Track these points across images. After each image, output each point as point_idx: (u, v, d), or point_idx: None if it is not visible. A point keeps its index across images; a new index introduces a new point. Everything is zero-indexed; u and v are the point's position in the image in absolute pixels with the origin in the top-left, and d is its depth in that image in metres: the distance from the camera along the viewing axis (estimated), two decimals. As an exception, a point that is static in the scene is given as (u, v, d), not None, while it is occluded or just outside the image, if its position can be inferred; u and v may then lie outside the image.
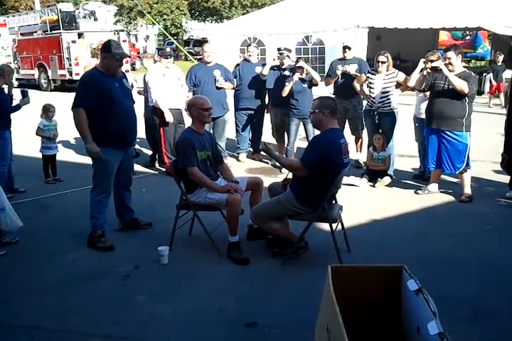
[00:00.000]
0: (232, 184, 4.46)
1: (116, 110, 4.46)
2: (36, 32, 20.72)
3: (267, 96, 7.73)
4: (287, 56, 7.21)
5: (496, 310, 3.47)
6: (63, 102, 7.72)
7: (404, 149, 7.77)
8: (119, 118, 4.48)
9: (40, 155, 6.87)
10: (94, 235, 4.61)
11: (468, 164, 5.74)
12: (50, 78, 19.74)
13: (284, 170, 6.91)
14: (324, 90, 9.76)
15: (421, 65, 5.76)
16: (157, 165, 7.52)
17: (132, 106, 4.78)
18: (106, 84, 4.46)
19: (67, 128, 7.09)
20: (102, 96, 4.39)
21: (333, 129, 4.22)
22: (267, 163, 7.68)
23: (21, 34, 21.53)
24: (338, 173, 4.11)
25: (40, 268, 4.25)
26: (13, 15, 24.13)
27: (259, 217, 4.33)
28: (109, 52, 4.45)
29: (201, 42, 31.11)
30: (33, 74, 20.26)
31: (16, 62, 20.32)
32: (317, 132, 4.59)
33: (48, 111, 6.78)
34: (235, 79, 7.56)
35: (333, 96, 7.34)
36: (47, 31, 19.85)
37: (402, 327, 2.50)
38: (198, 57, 26.40)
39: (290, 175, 4.54)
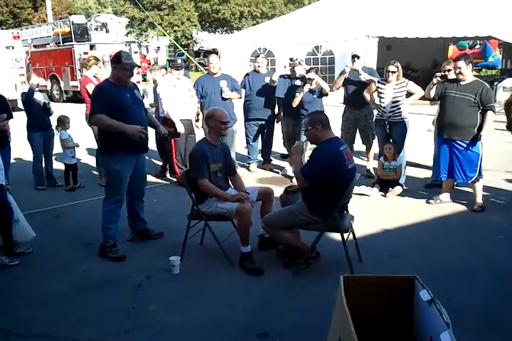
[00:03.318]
0: (243, 193, 4.47)
1: (128, 121, 4.48)
2: (49, 44, 21.01)
3: (276, 106, 7.76)
4: (299, 63, 7.22)
5: (508, 321, 3.43)
6: (76, 113, 7.82)
7: (416, 158, 7.75)
8: None
9: (55, 166, 6.99)
10: (106, 245, 4.63)
11: (480, 173, 5.70)
12: (63, 89, 19.98)
13: (294, 179, 6.90)
14: (334, 100, 9.81)
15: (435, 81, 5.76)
16: (168, 175, 7.56)
17: (144, 116, 4.81)
18: (117, 96, 4.50)
19: (78, 138, 7.17)
20: (114, 108, 4.43)
21: (330, 139, 4.23)
22: (278, 172, 7.68)
23: (34, 46, 21.84)
24: (348, 181, 4.11)
25: (52, 278, 4.28)
26: (26, 28, 24.48)
27: (270, 225, 4.33)
28: (119, 62, 4.48)
29: (211, 53, 31.29)
30: (46, 86, 20.47)
31: (28, 73, 20.56)
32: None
33: (64, 122, 7.01)
34: (243, 90, 7.59)
35: (344, 105, 7.39)
36: (59, 43, 20.13)
37: (415, 338, 2.48)
38: (209, 67, 26.58)
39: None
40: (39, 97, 6.97)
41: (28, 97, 6.81)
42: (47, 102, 6.84)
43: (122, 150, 4.53)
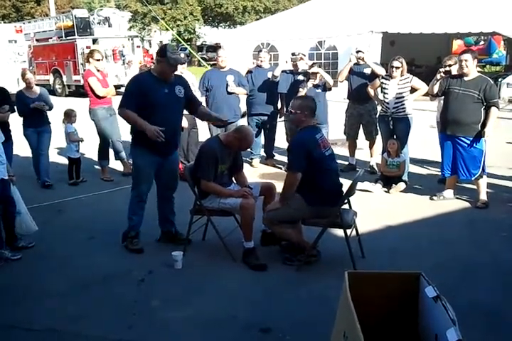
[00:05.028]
0: (246, 189, 4.46)
1: (157, 117, 4.29)
2: (51, 38, 20.98)
3: (279, 102, 7.73)
4: (301, 58, 7.19)
5: (513, 319, 3.43)
6: (78, 107, 7.79)
7: (419, 154, 7.73)
8: (159, 125, 4.23)
9: (59, 160, 6.96)
10: (128, 235, 4.67)
11: (484, 170, 5.68)
12: (65, 84, 19.96)
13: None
14: (338, 95, 9.77)
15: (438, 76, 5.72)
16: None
17: (177, 117, 4.60)
18: (151, 89, 4.31)
19: (81, 133, 7.15)
20: (143, 101, 4.28)
21: (307, 127, 4.28)
22: (280, 168, 7.66)
23: (37, 40, 21.80)
24: (329, 166, 4.23)
25: (54, 272, 4.28)
26: (29, 22, 24.43)
27: (271, 220, 4.33)
28: (163, 56, 4.29)
29: (214, 48, 31.23)
30: (48, 80, 20.48)
31: (31, 67, 20.54)
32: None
33: (70, 115, 6.94)
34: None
35: (347, 100, 7.35)
36: (62, 37, 20.09)
37: (420, 334, 2.47)
38: (212, 62, 26.52)
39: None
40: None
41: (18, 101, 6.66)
42: (41, 106, 6.58)
43: (143, 146, 4.45)
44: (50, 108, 6.85)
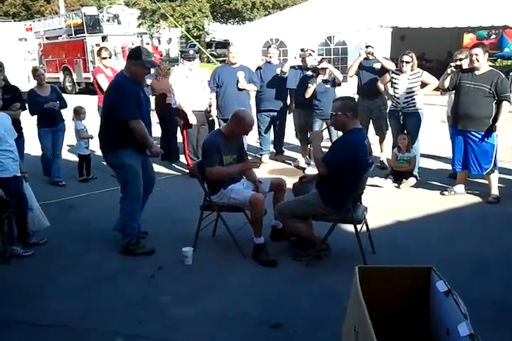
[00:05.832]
0: (250, 161, 4.53)
1: (141, 116, 4.37)
2: (61, 36, 21.09)
3: (288, 97, 7.72)
4: (309, 54, 7.16)
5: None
6: (88, 105, 7.82)
7: (430, 149, 7.68)
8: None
9: (69, 157, 6.98)
10: (130, 243, 4.52)
11: (495, 165, 5.63)
12: (75, 81, 20.04)
13: (306, 170, 6.89)
14: (347, 90, 9.74)
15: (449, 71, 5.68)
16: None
17: (149, 115, 4.72)
18: (136, 94, 4.35)
19: (90, 130, 7.16)
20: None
21: (356, 129, 4.18)
22: (290, 164, 7.66)
23: (47, 38, 21.91)
24: (360, 176, 4.09)
25: (65, 269, 4.30)
26: (39, 20, 24.57)
27: (283, 213, 4.33)
28: (138, 59, 4.27)
29: (223, 44, 31.20)
30: (58, 78, 20.57)
31: (41, 65, 20.66)
32: (340, 133, 4.57)
33: (80, 112, 6.97)
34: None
35: (357, 96, 7.32)
36: (71, 35, 20.19)
37: (431, 329, 2.46)
38: (221, 59, 26.52)
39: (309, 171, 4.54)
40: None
41: (29, 100, 6.64)
42: (55, 105, 6.55)
43: (129, 147, 4.38)
44: (64, 106, 6.79)
